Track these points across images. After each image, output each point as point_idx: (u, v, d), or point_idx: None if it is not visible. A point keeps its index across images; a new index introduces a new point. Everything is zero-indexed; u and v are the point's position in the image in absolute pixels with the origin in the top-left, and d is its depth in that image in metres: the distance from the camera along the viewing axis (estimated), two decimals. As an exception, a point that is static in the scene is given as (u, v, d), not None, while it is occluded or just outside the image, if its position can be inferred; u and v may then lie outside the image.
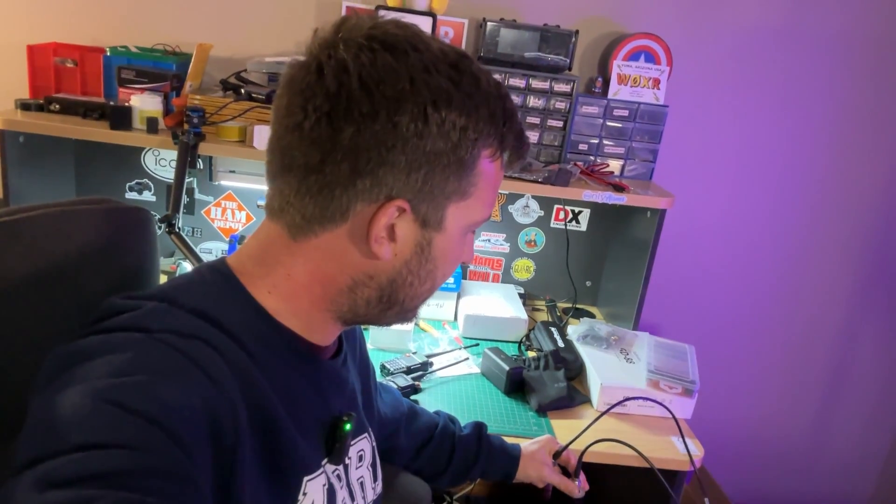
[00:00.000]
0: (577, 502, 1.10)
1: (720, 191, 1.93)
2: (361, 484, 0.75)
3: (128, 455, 0.44)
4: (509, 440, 1.21)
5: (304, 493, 0.62)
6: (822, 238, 2.01)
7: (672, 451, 1.25)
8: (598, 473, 1.17)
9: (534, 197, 1.83)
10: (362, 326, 0.88)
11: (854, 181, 1.95)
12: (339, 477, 0.69)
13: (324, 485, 0.65)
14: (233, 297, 0.62)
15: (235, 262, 0.65)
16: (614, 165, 1.66)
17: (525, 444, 1.12)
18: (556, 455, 1.12)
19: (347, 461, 0.72)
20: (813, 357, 2.15)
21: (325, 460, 0.67)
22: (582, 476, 1.09)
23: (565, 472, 1.11)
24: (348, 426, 0.68)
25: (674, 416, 1.25)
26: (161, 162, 1.73)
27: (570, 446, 1.14)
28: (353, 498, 0.72)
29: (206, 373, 0.53)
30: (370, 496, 0.77)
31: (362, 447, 0.76)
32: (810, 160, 1.92)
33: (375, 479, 0.79)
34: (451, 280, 1.65)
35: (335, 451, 0.68)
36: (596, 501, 1.17)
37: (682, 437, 1.24)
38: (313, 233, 0.61)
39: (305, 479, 0.63)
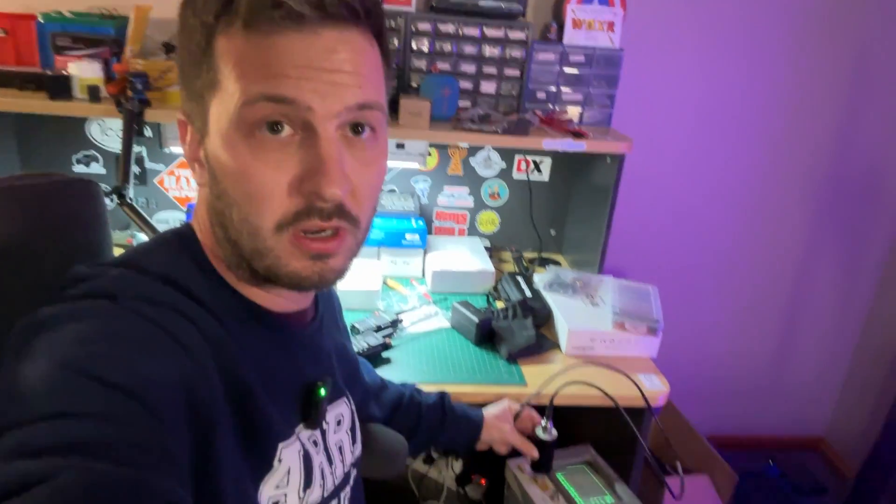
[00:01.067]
0: (549, 449, 1.13)
1: (679, 134, 1.95)
2: (340, 448, 0.75)
3: (99, 425, 0.43)
4: (482, 389, 1.23)
5: (280, 460, 0.62)
6: (779, 178, 2.06)
7: (640, 388, 1.29)
8: (569, 415, 1.20)
9: (495, 149, 1.82)
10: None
11: (810, 120, 1.99)
12: (314, 442, 0.69)
13: (299, 451, 0.65)
14: (197, 264, 0.61)
15: (197, 226, 0.63)
16: (573, 113, 1.66)
17: (486, 409, 1.13)
18: (516, 417, 1.13)
19: (325, 426, 0.72)
20: (772, 292, 2.23)
21: (301, 426, 0.66)
22: (550, 423, 1.12)
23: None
24: (323, 391, 0.67)
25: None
26: (108, 132, 1.66)
27: (538, 394, 1.16)
28: (331, 462, 0.72)
29: (179, 342, 0.52)
30: (349, 459, 0.77)
31: (340, 411, 0.76)
32: (767, 100, 1.94)
33: (354, 442, 0.79)
34: (416, 237, 1.65)
35: (311, 416, 0.67)
36: (570, 444, 1.21)
37: (631, 382, 1.27)
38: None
39: (280, 445, 0.62)
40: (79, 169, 1.68)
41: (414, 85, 1.57)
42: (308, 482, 0.66)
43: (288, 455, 0.63)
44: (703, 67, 1.88)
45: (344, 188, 0.54)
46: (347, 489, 0.77)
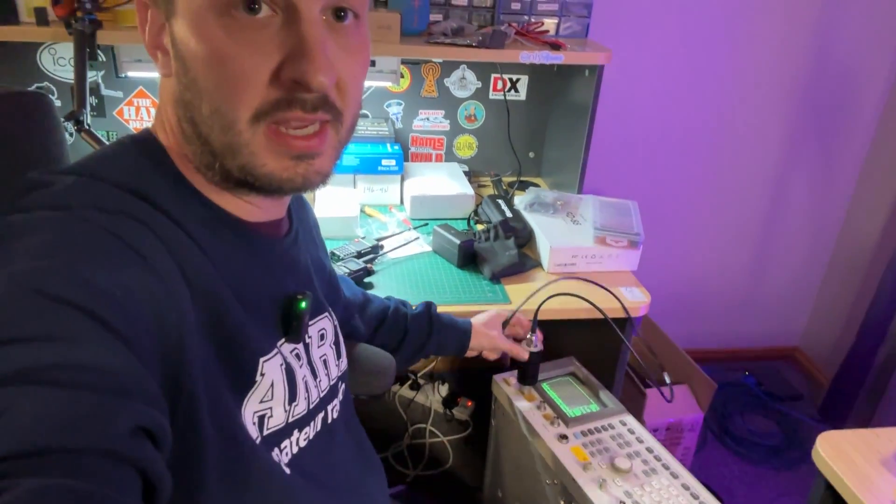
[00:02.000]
0: (535, 361, 1.14)
1: (656, 46, 1.90)
2: (325, 361, 0.73)
3: (53, 347, 0.39)
4: (467, 308, 1.22)
5: (262, 374, 0.60)
6: (756, 90, 2.03)
7: (621, 300, 1.30)
8: (553, 330, 1.21)
9: (469, 67, 1.76)
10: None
11: (788, 30, 1.95)
12: (297, 356, 0.67)
13: (281, 364, 0.63)
14: (162, 171, 0.56)
15: (161, 127, 0.59)
16: (549, 24, 1.59)
17: (475, 318, 1.13)
18: (506, 323, 1.14)
19: (308, 340, 0.70)
20: (748, 206, 2.24)
21: (282, 340, 0.65)
22: (538, 334, 1.12)
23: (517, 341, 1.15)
24: (303, 304, 0.65)
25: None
26: (60, 61, 1.56)
27: (522, 308, 1.16)
28: (315, 375, 0.70)
29: (137, 251, 0.48)
30: (334, 373, 0.76)
31: (323, 326, 0.74)
32: (747, 4, 1.89)
33: (339, 357, 0.78)
34: (392, 163, 1.61)
35: (292, 329, 0.65)
36: (553, 357, 1.22)
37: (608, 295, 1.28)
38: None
39: (261, 359, 0.60)
40: (33, 103, 1.59)
41: (382, -1, 1.49)
42: (293, 396, 0.65)
43: (270, 369, 0.61)
44: (682, -25, 1.82)
45: (330, 76, 0.50)
46: (336, 402, 0.76)
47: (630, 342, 1.25)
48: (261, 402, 0.60)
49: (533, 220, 1.49)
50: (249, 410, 0.59)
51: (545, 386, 1.16)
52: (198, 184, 0.58)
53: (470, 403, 1.79)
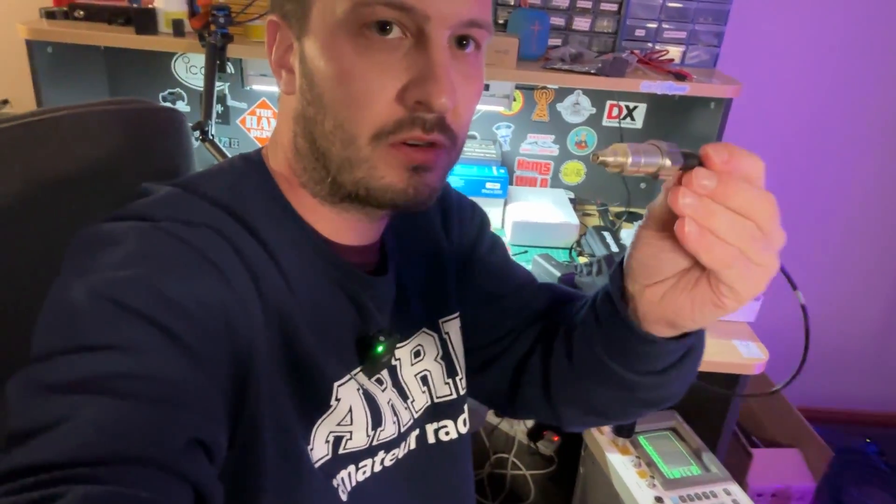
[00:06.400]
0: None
1: (790, 80, 1.76)
2: (424, 378, 0.69)
3: (119, 357, 0.41)
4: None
5: (338, 399, 0.59)
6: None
7: (734, 354, 1.20)
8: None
9: (584, 93, 1.70)
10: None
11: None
12: (379, 381, 0.64)
13: (358, 389, 0.61)
14: (261, 189, 0.58)
15: (272, 147, 0.60)
16: (674, 53, 1.51)
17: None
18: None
19: (395, 362, 0.66)
20: (883, 253, 2.03)
21: (358, 369, 0.62)
22: None
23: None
24: (380, 349, 0.62)
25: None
26: (192, 69, 1.66)
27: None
28: (405, 396, 0.67)
29: (212, 263, 0.49)
30: (442, 390, 0.70)
31: (418, 344, 0.69)
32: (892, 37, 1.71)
33: (451, 375, 0.71)
34: (497, 186, 1.58)
35: (368, 364, 0.62)
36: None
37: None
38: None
39: (336, 384, 0.59)
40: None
41: (500, 21, 1.47)
42: (377, 421, 0.62)
43: (346, 394, 0.59)
44: (828, 3, 1.67)
45: (453, 99, 0.50)
46: (447, 422, 0.70)
47: (739, 400, 1.15)
48: (338, 424, 0.59)
49: (640, 256, 1.41)
50: (323, 432, 0.58)
51: (642, 439, 1.08)
52: (296, 203, 0.58)
53: (556, 438, 1.73)
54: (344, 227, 0.60)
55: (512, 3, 1.48)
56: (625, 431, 1.07)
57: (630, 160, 0.44)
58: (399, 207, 0.57)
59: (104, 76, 1.63)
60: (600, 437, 1.09)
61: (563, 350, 0.65)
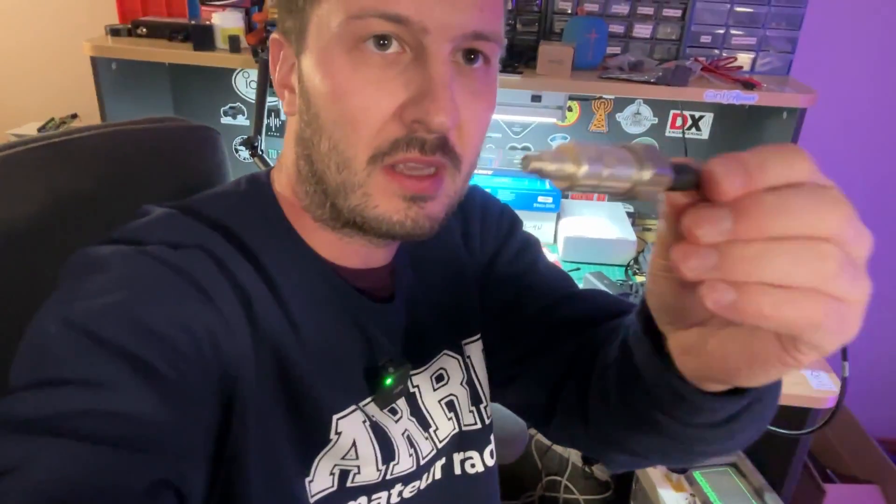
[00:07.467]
0: None
1: (874, 87, 1.63)
2: (450, 403, 0.65)
3: (85, 393, 0.40)
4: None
5: (339, 433, 0.55)
6: None
7: (804, 386, 1.10)
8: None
9: (646, 102, 1.63)
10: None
11: None
12: (393, 411, 0.60)
13: (363, 421, 0.57)
14: (263, 212, 0.56)
15: (279, 168, 0.59)
16: (743, 59, 1.43)
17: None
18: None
19: (413, 389, 0.63)
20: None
21: (368, 400, 0.58)
22: None
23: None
24: (389, 381, 0.58)
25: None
26: (251, 84, 1.69)
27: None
28: (426, 425, 0.63)
29: (198, 286, 0.47)
30: (468, 420, 0.66)
31: (441, 367, 0.65)
32: None
33: (476, 402, 0.67)
34: (549, 200, 1.53)
35: (378, 395, 0.59)
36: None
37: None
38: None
39: (335, 417, 0.55)
40: (226, 121, 1.74)
41: (556, 30, 1.43)
42: (389, 454, 0.58)
43: (349, 427, 0.56)
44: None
45: (452, 117, 0.47)
46: (473, 453, 0.66)
47: (810, 434, 1.06)
48: (342, 458, 0.56)
49: (702, 276, 1.33)
50: (326, 465, 0.55)
51: (698, 476, 1.01)
52: (299, 227, 0.57)
53: (611, 464, 1.65)
54: (349, 252, 0.58)
55: (569, 12, 1.43)
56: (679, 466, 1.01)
57: (584, 169, 0.28)
58: (397, 238, 0.54)
59: (168, 91, 1.69)
60: (652, 471, 1.02)
61: (598, 389, 0.57)
